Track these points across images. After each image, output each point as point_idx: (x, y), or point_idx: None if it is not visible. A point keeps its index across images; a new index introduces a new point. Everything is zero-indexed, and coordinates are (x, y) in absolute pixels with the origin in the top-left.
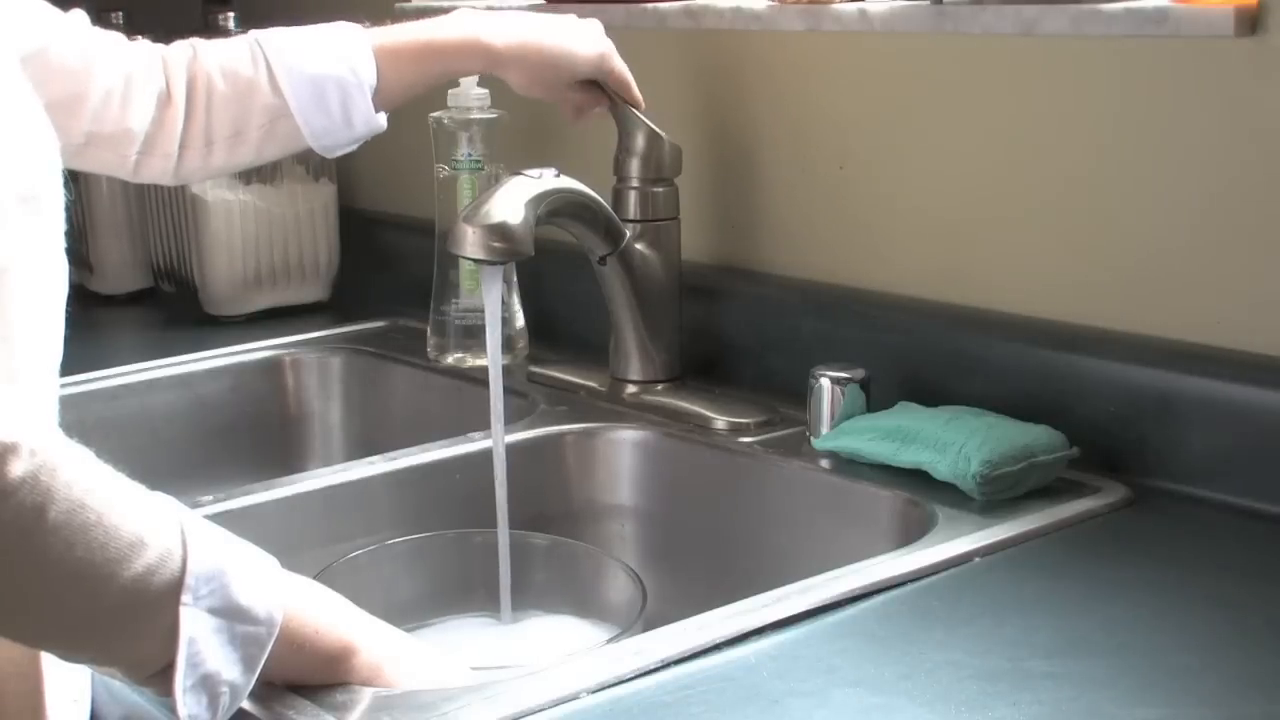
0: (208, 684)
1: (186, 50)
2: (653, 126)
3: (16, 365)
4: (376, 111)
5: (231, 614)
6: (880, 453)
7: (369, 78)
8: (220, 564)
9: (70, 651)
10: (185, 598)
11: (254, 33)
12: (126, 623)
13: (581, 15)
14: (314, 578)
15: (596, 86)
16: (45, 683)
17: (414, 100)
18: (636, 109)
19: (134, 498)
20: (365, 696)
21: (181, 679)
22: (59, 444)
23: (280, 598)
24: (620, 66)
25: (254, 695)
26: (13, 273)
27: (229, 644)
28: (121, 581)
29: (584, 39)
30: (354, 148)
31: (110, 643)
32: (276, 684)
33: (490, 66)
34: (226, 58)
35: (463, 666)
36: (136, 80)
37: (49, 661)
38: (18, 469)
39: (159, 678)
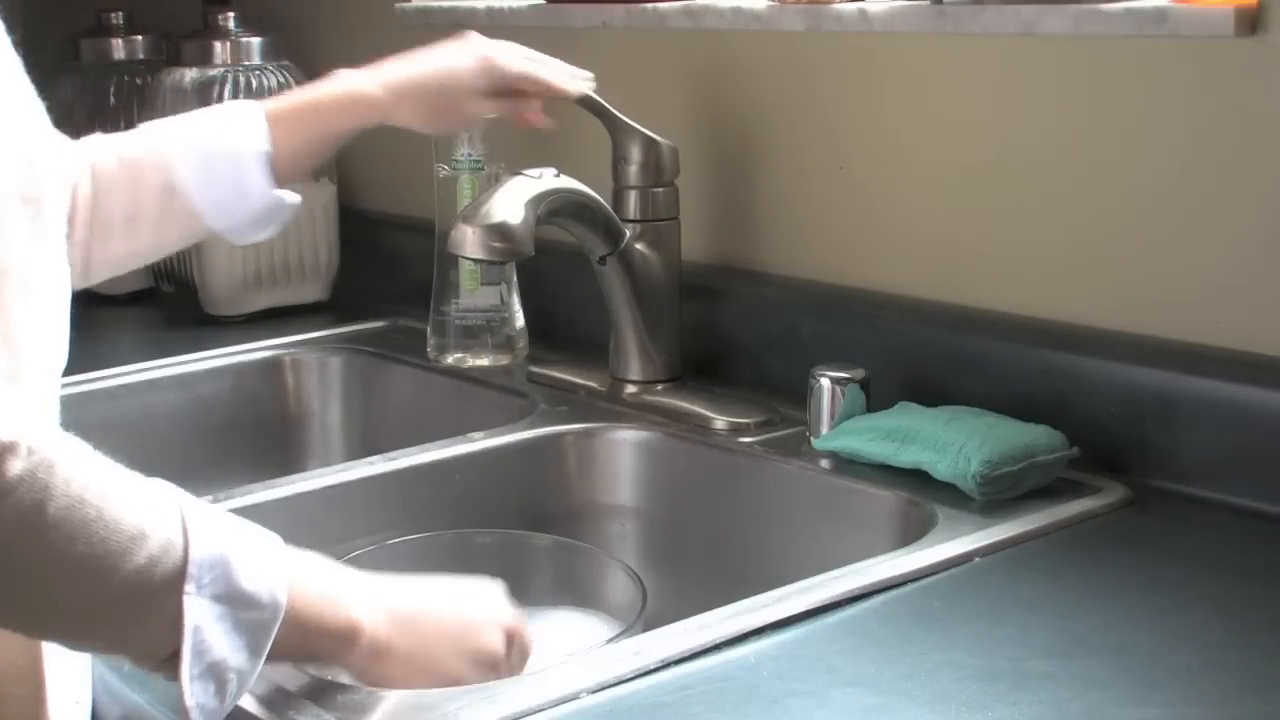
0: (214, 671)
1: (88, 142)
2: (646, 132)
3: (19, 366)
4: (280, 184)
5: (235, 601)
6: (880, 453)
7: (261, 145)
8: (222, 550)
9: (76, 642)
10: (188, 587)
11: (148, 124)
12: (131, 614)
13: (582, 15)
14: None
15: (518, 92)
16: (47, 684)
17: (310, 168)
18: (574, 98)
19: (133, 489)
20: (365, 696)
21: (188, 668)
22: (56, 440)
23: (285, 580)
24: (518, 66)
25: (255, 695)
26: (15, 274)
27: (234, 631)
28: (124, 574)
29: (459, 54)
30: (267, 233)
31: (115, 634)
32: (283, 664)
33: (376, 114)
34: (120, 143)
35: (464, 650)
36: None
37: (51, 664)
38: (16, 467)
39: (168, 664)
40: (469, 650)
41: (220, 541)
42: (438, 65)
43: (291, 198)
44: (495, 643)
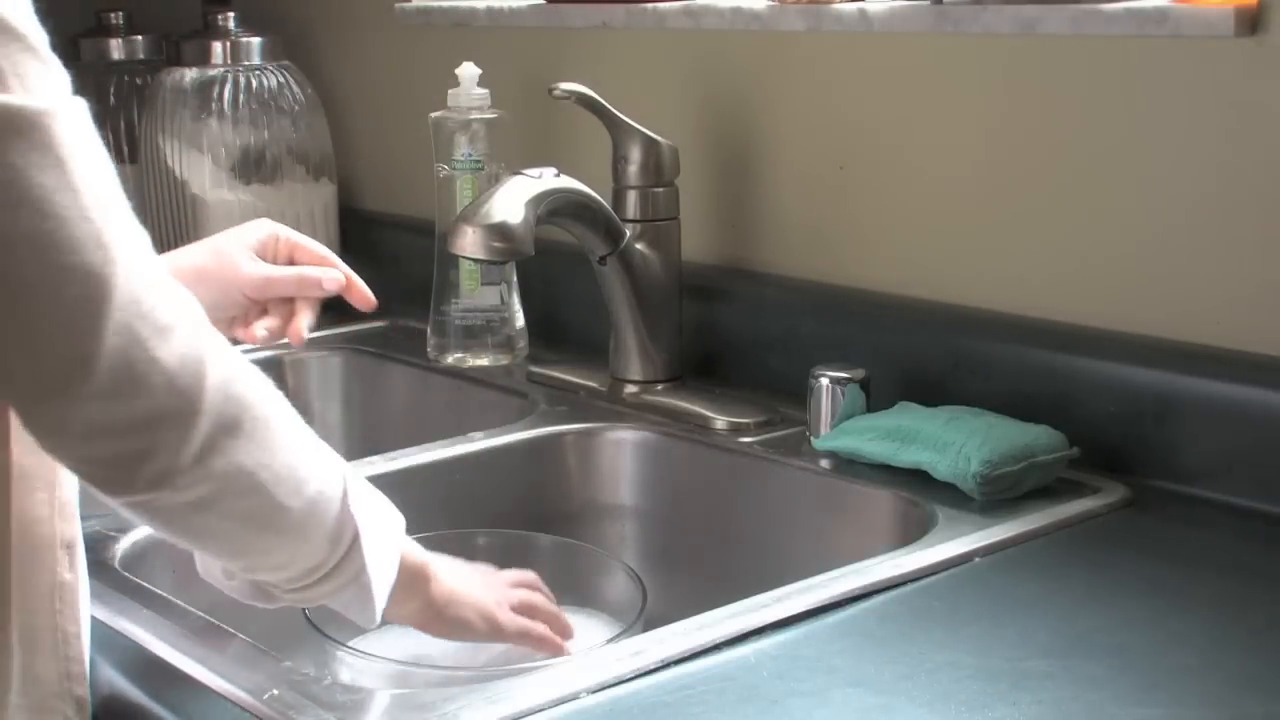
0: (381, 574)
1: None
2: (646, 132)
3: None
4: None
5: (377, 514)
6: (880, 453)
7: None
8: (352, 472)
9: (256, 556)
10: (350, 500)
11: None
12: (313, 525)
13: (582, 15)
14: None
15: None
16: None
17: None
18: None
19: (288, 407)
20: (365, 696)
21: (372, 569)
22: (234, 355)
23: (387, 505)
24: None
25: (255, 695)
26: None
27: (383, 541)
28: (307, 484)
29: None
30: None
31: (298, 544)
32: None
33: None
34: None
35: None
36: None
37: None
38: (215, 376)
39: (328, 578)
40: (502, 597)
41: (347, 466)
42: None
43: None
44: (522, 594)
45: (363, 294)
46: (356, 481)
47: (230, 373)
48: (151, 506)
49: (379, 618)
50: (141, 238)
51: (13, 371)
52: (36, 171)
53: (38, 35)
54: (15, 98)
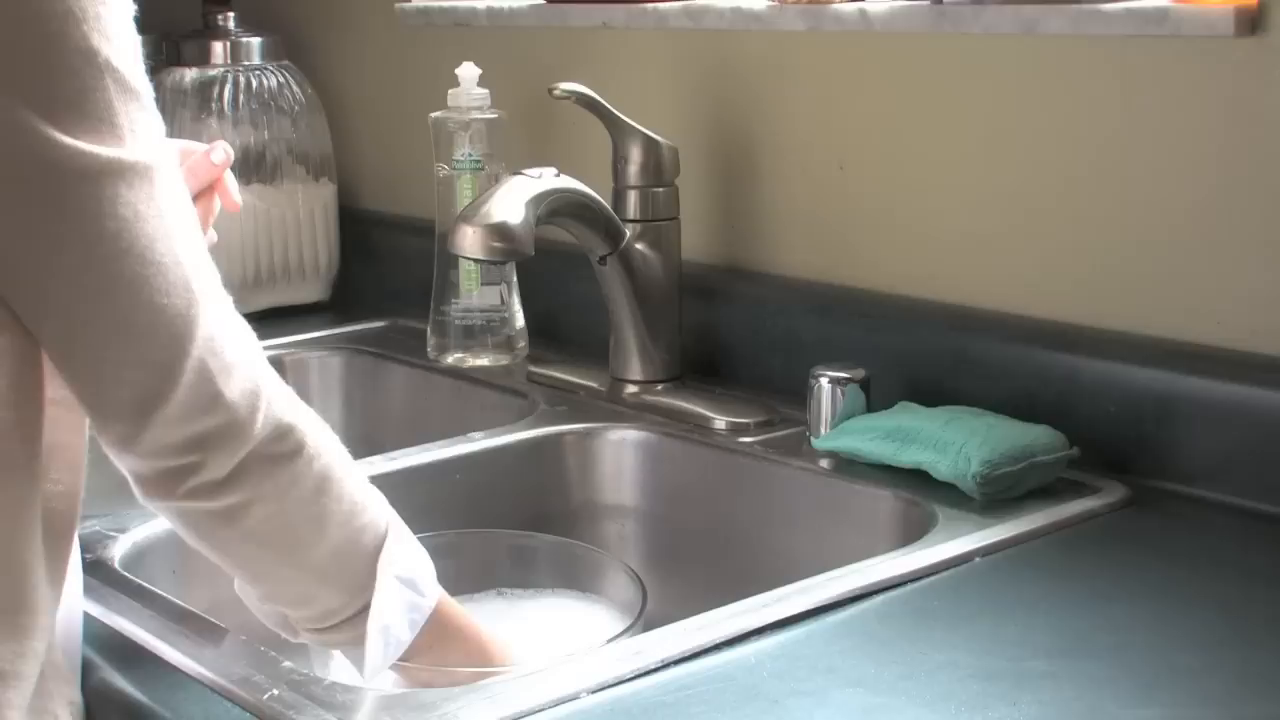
0: (386, 634)
1: None
2: (646, 132)
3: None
4: None
5: (409, 583)
6: (880, 453)
7: None
8: (404, 539)
9: (278, 590)
10: (382, 561)
11: None
12: (337, 572)
13: (582, 15)
14: None
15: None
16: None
17: None
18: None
19: (351, 468)
20: (366, 697)
21: (371, 625)
22: (305, 414)
23: (438, 587)
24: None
25: (254, 693)
26: None
27: (403, 606)
28: (341, 534)
29: None
30: None
31: (318, 587)
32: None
33: None
34: None
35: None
36: None
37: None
38: (290, 444)
39: (341, 628)
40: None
41: (405, 532)
42: None
43: None
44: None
45: (228, 195)
46: (399, 543)
47: (281, 411)
48: (182, 511)
49: (372, 681)
50: (215, 275)
51: (100, 398)
52: (142, 222)
53: (147, 90)
54: (128, 152)
